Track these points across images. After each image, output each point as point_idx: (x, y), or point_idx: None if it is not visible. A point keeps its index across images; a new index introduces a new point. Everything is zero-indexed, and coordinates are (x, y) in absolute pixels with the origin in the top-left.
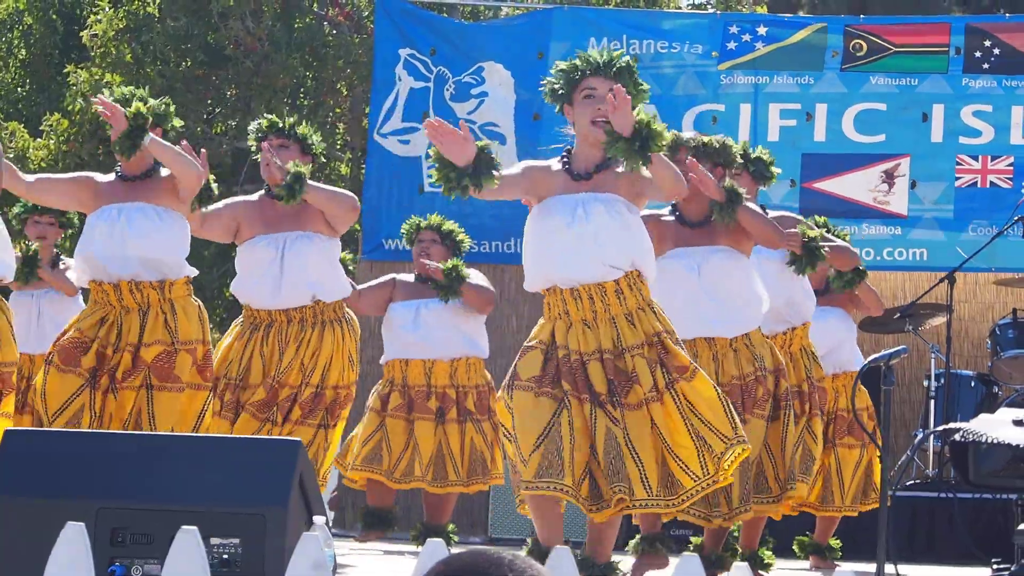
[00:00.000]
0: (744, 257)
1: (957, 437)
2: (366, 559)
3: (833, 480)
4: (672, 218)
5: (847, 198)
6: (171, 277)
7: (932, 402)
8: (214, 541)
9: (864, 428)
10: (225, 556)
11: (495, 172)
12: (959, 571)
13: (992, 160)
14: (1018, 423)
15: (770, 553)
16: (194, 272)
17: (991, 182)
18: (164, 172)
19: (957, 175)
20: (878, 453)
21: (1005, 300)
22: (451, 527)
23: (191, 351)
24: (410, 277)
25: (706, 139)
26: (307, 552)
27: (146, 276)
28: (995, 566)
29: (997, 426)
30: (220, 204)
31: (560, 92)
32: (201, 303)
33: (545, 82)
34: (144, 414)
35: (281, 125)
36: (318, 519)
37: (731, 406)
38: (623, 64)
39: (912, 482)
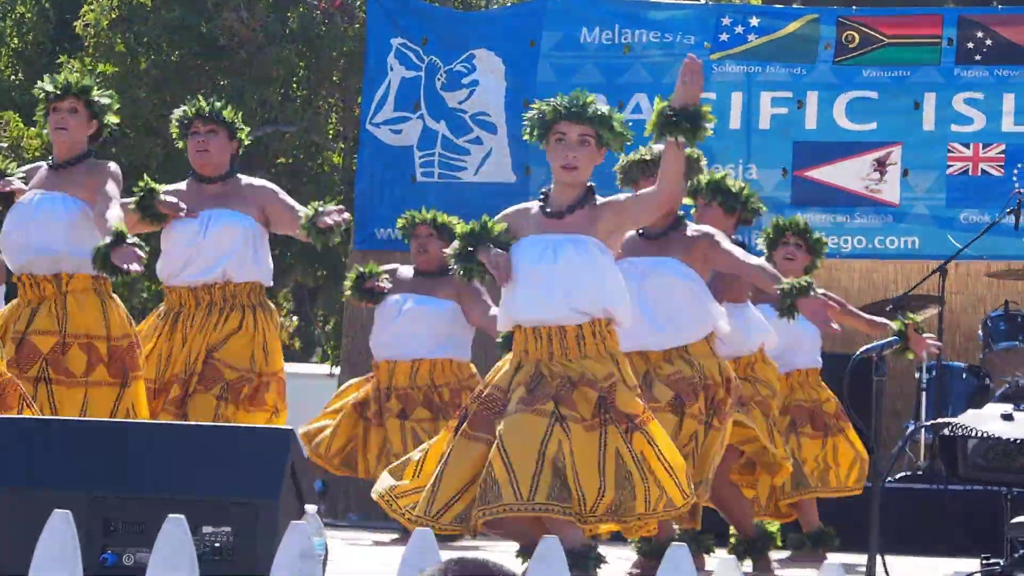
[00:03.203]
0: (694, 273)
1: (946, 432)
2: (356, 549)
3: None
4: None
5: (839, 186)
6: (67, 271)
7: (924, 394)
8: (206, 530)
9: (856, 420)
10: (217, 544)
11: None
12: (950, 562)
13: (984, 148)
14: (1006, 417)
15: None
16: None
17: (982, 170)
18: (89, 164)
19: (949, 163)
20: (847, 442)
21: (997, 292)
22: None
23: (84, 346)
24: (409, 270)
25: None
26: (296, 540)
27: (41, 268)
28: (984, 561)
29: (986, 420)
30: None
31: (535, 133)
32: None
33: (523, 121)
34: (46, 409)
35: (209, 110)
36: (309, 508)
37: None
38: (594, 113)
39: (903, 474)
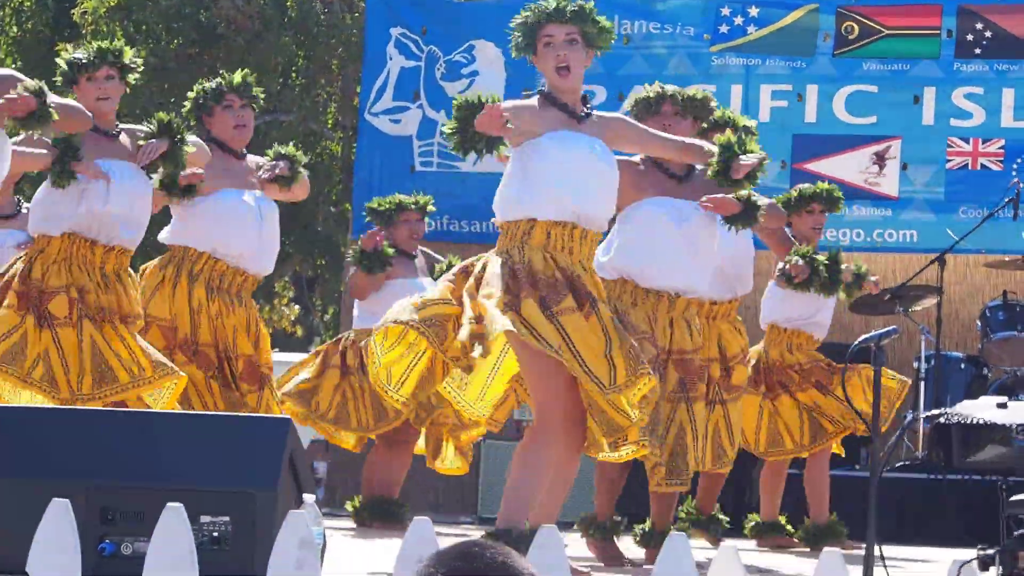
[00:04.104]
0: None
1: (942, 420)
2: (354, 538)
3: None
4: (644, 167)
5: (838, 179)
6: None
7: (922, 384)
8: (204, 519)
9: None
10: (215, 534)
11: (505, 143)
12: (948, 552)
13: (983, 143)
14: (1002, 406)
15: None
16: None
17: (982, 165)
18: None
19: (948, 157)
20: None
21: (995, 282)
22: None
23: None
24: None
25: (690, 91)
26: (294, 530)
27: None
28: (980, 551)
29: (981, 409)
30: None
31: (523, 44)
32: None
33: (511, 36)
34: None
35: (243, 83)
36: (308, 497)
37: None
38: (575, 8)
39: (901, 463)
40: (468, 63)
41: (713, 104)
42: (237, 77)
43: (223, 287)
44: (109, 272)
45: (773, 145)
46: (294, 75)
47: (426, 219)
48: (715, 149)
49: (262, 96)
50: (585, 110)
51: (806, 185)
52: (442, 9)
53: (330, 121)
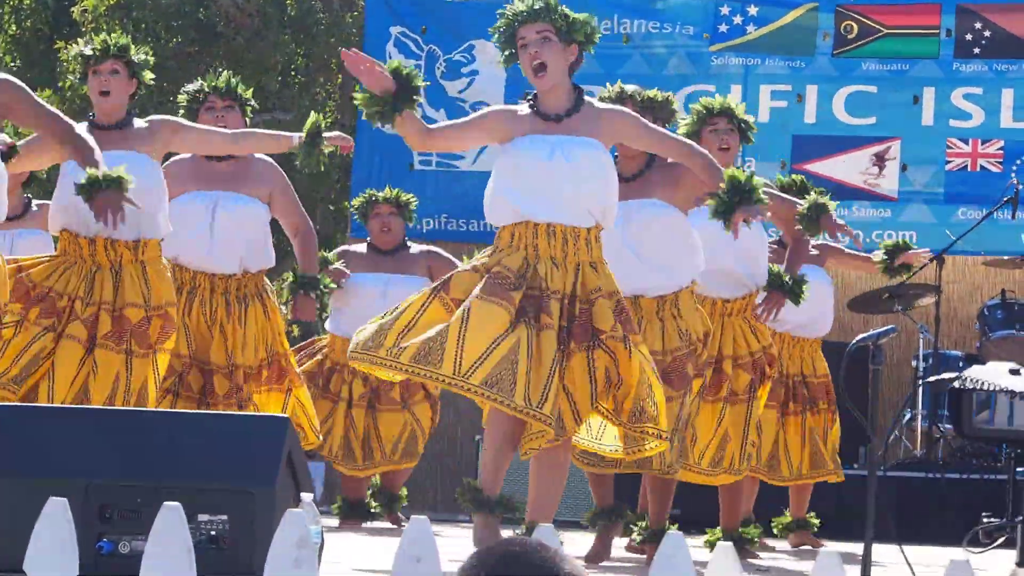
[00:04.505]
0: (678, 212)
1: (955, 385)
2: (352, 537)
3: (780, 448)
4: None
5: (837, 180)
6: (147, 236)
7: (920, 382)
8: (202, 518)
9: (853, 409)
10: (213, 533)
11: (416, 97)
12: (947, 551)
13: (982, 144)
14: (1015, 372)
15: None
16: (170, 230)
17: (981, 166)
18: (139, 123)
19: (948, 158)
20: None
21: (994, 281)
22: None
23: (162, 316)
24: (362, 247)
25: (649, 93)
26: (292, 528)
27: (125, 234)
28: (985, 517)
29: (994, 375)
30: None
31: (507, 54)
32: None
33: (497, 45)
34: (122, 380)
35: (226, 85)
36: (306, 496)
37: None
38: (540, 6)
39: (899, 461)
40: (468, 62)
41: (675, 107)
42: (221, 79)
43: (197, 292)
44: (106, 266)
45: (773, 145)
46: (293, 74)
47: (414, 216)
48: (712, 159)
49: (248, 96)
50: (568, 107)
51: (796, 177)
52: (442, 9)
53: (329, 119)
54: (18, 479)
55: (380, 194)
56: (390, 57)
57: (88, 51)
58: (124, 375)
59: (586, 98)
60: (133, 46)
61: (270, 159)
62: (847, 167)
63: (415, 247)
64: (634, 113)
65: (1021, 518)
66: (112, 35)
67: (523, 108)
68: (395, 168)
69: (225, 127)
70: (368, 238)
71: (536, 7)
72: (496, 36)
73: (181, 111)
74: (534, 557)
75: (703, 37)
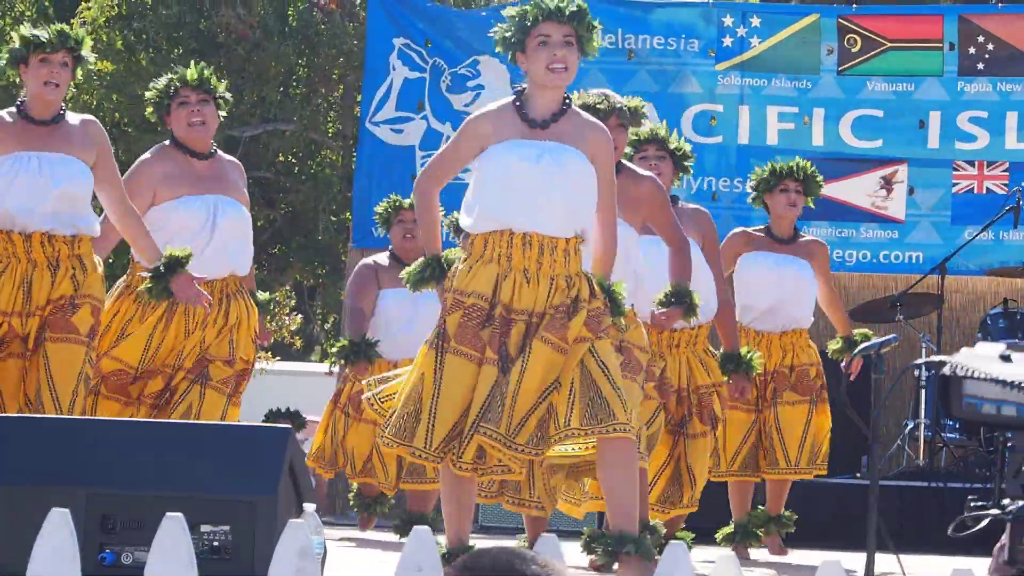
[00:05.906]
0: (634, 232)
1: (946, 370)
2: (355, 548)
3: (775, 440)
4: None
5: (845, 202)
6: (83, 232)
7: (922, 391)
8: (204, 528)
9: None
10: (215, 543)
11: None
12: (949, 560)
13: (988, 166)
14: (1005, 359)
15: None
16: (97, 232)
17: (987, 188)
18: (72, 120)
19: (954, 181)
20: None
21: (996, 290)
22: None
23: (93, 305)
24: (383, 258)
25: (633, 102)
26: (295, 539)
27: (62, 230)
28: (971, 499)
29: (985, 361)
30: (135, 177)
31: (512, 40)
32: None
33: (496, 30)
34: (42, 372)
35: (198, 78)
36: (308, 506)
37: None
38: (574, 8)
39: (901, 470)
40: (473, 77)
41: (662, 134)
42: (191, 72)
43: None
44: (41, 262)
45: None
46: (294, 84)
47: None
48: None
49: (222, 90)
50: (555, 111)
51: (781, 164)
52: (445, 20)
53: (330, 130)
54: (20, 489)
55: (405, 201)
56: (394, 68)
57: (44, 37)
58: (43, 366)
59: (573, 107)
60: (88, 39)
61: (237, 161)
62: (855, 190)
63: None
64: (609, 151)
65: (1010, 514)
66: (68, 26)
67: (504, 107)
68: (397, 179)
69: (202, 122)
70: (389, 246)
71: (570, 9)
72: (510, 21)
73: (149, 108)
74: (531, 571)
75: (709, 54)
